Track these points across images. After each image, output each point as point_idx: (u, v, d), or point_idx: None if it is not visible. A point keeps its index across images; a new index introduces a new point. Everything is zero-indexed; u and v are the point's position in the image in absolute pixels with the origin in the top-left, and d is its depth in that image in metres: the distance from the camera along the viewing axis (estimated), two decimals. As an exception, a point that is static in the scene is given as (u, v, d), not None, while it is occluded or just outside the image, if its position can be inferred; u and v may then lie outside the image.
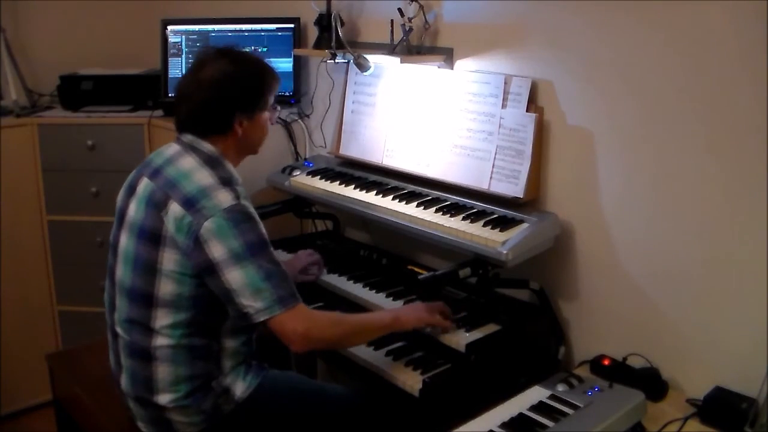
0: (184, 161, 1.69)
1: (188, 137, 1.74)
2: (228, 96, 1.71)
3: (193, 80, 1.72)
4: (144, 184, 1.71)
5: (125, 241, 1.72)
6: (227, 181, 1.65)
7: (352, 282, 2.12)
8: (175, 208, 1.61)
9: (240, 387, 1.74)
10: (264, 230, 1.65)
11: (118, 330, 1.74)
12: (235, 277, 1.57)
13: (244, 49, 1.85)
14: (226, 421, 1.73)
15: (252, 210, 1.65)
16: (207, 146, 1.72)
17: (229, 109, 1.71)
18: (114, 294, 1.75)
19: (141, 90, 3.00)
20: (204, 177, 1.65)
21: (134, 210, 1.71)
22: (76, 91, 3.00)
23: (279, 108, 1.89)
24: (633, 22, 1.72)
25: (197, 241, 1.58)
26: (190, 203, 1.60)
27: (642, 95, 1.74)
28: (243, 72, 1.73)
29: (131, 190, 1.75)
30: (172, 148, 1.75)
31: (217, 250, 1.57)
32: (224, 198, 1.61)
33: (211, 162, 1.69)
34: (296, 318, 1.60)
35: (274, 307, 1.58)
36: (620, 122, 1.80)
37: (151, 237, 1.64)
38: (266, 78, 1.78)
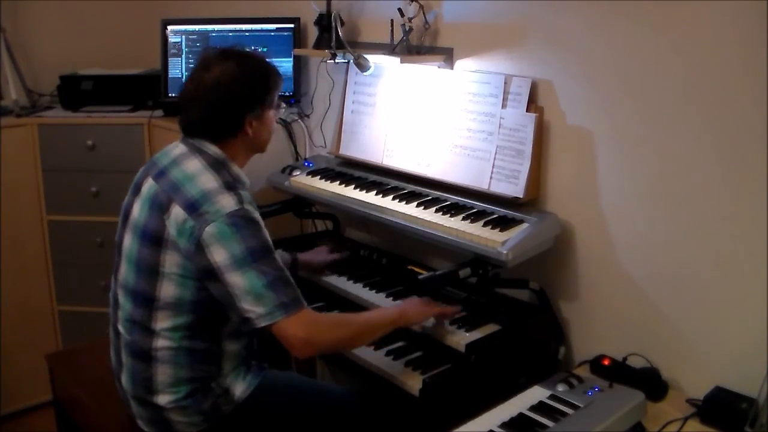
0: (189, 163, 1.68)
1: (195, 139, 1.73)
2: (237, 98, 1.70)
3: (199, 84, 1.70)
4: (149, 185, 1.71)
5: (129, 242, 1.72)
6: (231, 186, 1.65)
7: (352, 282, 2.12)
8: (177, 212, 1.61)
9: (240, 387, 1.74)
10: (267, 235, 1.63)
11: (120, 328, 1.74)
12: (236, 282, 1.56)
13: (245, 49, 1.85)
14: (225, 422, 1.73)
15: (255, 215, 1.64)
16: (213, 149, 1.71)
17: (239, 111, 1.71)
18: (117, 292, 1.75)
19: (141, 90, 3.01)
20: (208, 180, 1.64)
21: (138, 211, 1.71)
22: (76, 91, 3.00)
23: (284, 104, 1.90)
24: (633, 22, 1.72)
25: (199, 245, 1.57)
26: (192, 207, 1.60)
27: (642, 95, 1.74)
28: (249, 73, 1.73)
29: (137, 190, 1.75)
30: (179, 149, 1.74)
31: (218, 255, 1.56)
32: (227, 203, 1.60)
33: (216, 165, 1.69)
34: (298, 323, 1.58)
35: (275, 313, 1.57)
36: (620, 122, 1.80)
37: (154, 239, 1.64)
38: (271, 76, 1.78)
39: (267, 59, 1.81)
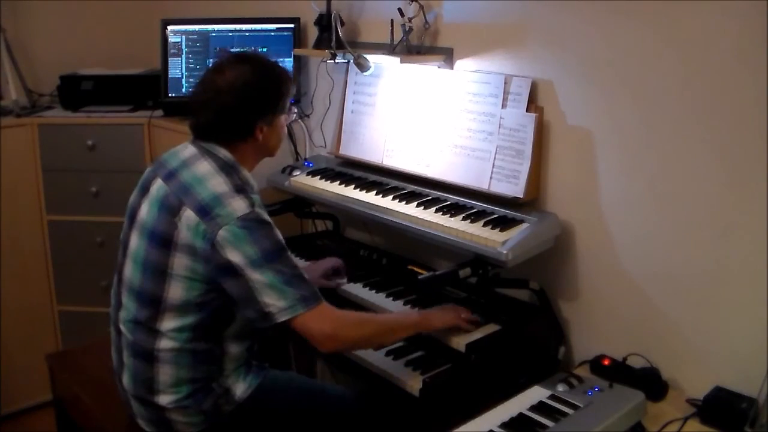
0: (200, 166, 1.68)
1: (206, 142, 1.73)
2: (250, 103, 1.70)
3: (212, 87, 1.69)
4: (158, 186, 1.70)
5: (136, 242, 1.71)
6: (241, 189, 1.64)
7: (352, 282, 2.12)
8: (189, 215, 1.60)
9: (240, 387, 1.74)
10: (279, 235, 1.64)
11: (122, 328, 1.73)
12: (256, 278, 1.57)
13: (259, 53, 1.84)
14: (226, 421, 1.73)
15: (266, 216, 1.64)
16: (223, 152, 1.71)
17: (251, 116, 1.71)
18: (120, 292, 1.75)
19: (141, 90, 3.01)
20: (218, 184, 1.63)
21: (146, 211, 1.70)
22: (76, 91, 3.00)
23: (295, 110, 1.89)
24: (633, 21, 1.73)
25: (213, 247, 1.58)
26: (204, 211, 1.59)
27: (642, 95, 1.74)
28: (263, 79, 1.72)
29: (144, 190, 1.74)
30: (188, 150, 1.73)
31: (234, 257, 1.57)
32: (238, 206, 1.60)
33: (226, 168, 1.68)
34: (321, 318, 1.59)
35: (296, 306, 1.57)
36: (620, 122, 1.80)
37: (163, 241, 1.63)
38: (285, 83, 1.78)
39: (280, 65, 1.80)
